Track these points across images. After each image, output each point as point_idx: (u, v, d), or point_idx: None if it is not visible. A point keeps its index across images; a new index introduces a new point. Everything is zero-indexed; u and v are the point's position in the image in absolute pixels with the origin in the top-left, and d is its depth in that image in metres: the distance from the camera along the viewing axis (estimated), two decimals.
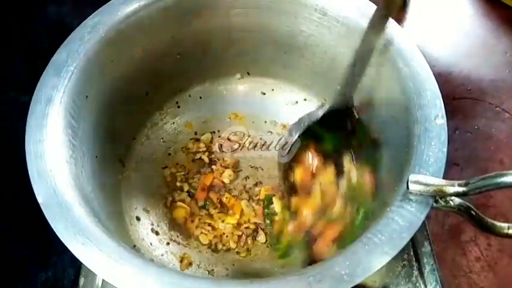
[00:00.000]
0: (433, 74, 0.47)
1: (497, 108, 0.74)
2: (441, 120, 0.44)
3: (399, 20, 0.86)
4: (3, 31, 0.73)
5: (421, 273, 0.55)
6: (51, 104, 0.43)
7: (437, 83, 0.46)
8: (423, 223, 0.58)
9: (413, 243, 0.57)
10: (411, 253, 0.56)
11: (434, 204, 0.39)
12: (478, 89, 0.76)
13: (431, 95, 0.45)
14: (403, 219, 0.38)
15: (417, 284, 0.54)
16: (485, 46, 0.83)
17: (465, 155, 0.70)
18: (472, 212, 0.39)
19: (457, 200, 0.39)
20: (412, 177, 0.39)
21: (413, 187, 0.39)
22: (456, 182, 0.37)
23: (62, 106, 0.44)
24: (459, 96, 0.75)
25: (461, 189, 0.37)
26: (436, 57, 0.81)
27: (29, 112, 0.43)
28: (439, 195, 0.38)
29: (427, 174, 0.40)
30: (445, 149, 0.42)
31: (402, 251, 0.56)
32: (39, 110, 0.43)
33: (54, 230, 0.37)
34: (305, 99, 0.67)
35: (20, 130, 0.42)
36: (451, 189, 0.37)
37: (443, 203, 0.39)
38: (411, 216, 0.38)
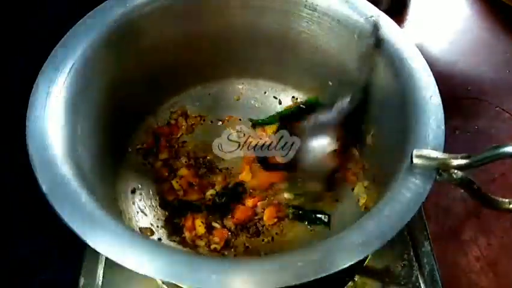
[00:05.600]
0: (433, 74, 0.47)
1: (497, 108, 0.74)
2: (436, 99, 0.45)
3: (399, 20, 0.86)
4: (3, 30, 0.73)
5: (421, 273, 0.55)
6: (50, 97, 0.43)
7: (437, 83, 0.46)
8: (424, 223, 0.58)
9: (413, 243, 0.57)
10: (411, 253, 0.56)
11: (438, 177, 0.40)
12: (478, 89, 0.76)
13: (431, 95, 0.45)
14: (409, 192, 0.39)
15: (417, 284, 0.54)
16: (485, 46, 0.83)
17: None
18: (474, 186, 0.40)
19: (460, 174, 0.40)
20: (416, 151, 0.40)
21: (417, 161, 0.39)
22: (459, 155, 0.38)
23: (61, 100, 0.44)
24: (459, 96, 0.75)
25: (463, 161, 0.38)
26: (436, 57, 0.81)
27: (29, 106, 0.43)
28: (442, 168, 0.39)
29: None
30: (443, 127, 0.43)
31: (402, 251, 0.57)
32: (39, 103, 0.43)
33: (61, 216, 0.36)
34: (299, 98, 0.67)
35: (21, 126, 0.42)
36: (454, 162, 0.38)
37: (446, 176, 0.40)
38: (416, 188, 0.39)
